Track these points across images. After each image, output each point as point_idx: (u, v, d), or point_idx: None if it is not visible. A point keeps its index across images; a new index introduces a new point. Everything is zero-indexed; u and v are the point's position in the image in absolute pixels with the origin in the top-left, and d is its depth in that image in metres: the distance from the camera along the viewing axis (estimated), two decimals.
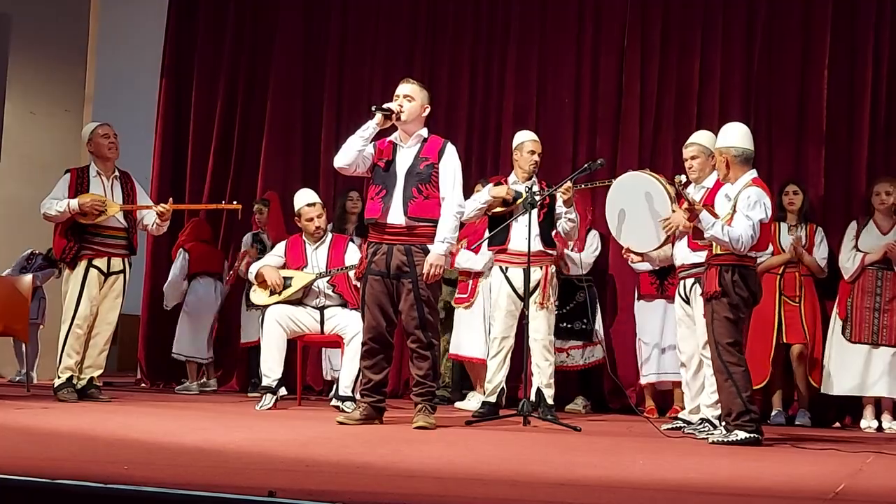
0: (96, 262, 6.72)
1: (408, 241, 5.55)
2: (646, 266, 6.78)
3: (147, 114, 9.41)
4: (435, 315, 5.65)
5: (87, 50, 9.19)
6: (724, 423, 5.22)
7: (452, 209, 5.57)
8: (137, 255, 8.72)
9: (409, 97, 5.63)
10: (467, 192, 7.22)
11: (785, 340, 6.97)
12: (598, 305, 7.52)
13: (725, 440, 5.11)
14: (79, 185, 6.73)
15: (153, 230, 7.00)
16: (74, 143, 8.76)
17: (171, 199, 7.09)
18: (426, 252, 5.53)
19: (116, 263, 6.79)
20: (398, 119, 5.60)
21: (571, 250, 7.20)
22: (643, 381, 7.24)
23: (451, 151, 5.68)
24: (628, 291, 7.70)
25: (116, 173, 6.88)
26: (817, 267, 6.99)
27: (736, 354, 5.14)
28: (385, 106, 5.60)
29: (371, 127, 5.58)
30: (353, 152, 5.59)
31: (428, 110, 5.73)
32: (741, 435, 5.08)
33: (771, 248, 6.99)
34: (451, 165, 5.64)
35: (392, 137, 5.72)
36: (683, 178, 5.63)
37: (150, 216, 6.87)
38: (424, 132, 5.71)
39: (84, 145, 6.99)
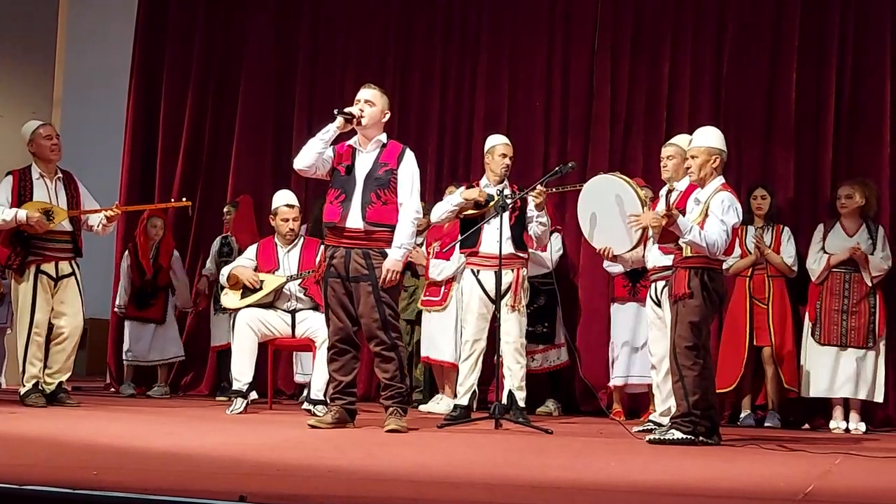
0: (44, 267, 6.61)
1: (366, 245, 5.57)
2: (618, 268, 6.81)
3: (116, 116, 9.32)
4: (396, 317, 5.66)
5: (55, 52, 9.09)
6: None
7: (410, 215, 5.60)
8: (105, 260, 8.71)
9: (370, 102, 5.66)
10: (439, 196, 7.27)
11: (755, 343, 7.02)
12: (559, 309, 7.52)
13: (662, 438, 5.17)
14: (22, 188, 6.60)
15: (99, 231, 6.87)
16: None
17: (116, 203, 7.04)
18: (384, 256, 5.55)
19: (64, 267, 6.68)
20: (359, 124, 5.62)
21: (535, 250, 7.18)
22: (611, 383, 7.26)
23: (409, 157, 5.70)
24: (598, 293, 7.72)
25: (59, 174, 6.75)
26: (785, 266, 7.03)
27: (692, 358, 5.19)
28: (347, 110, 5.62)
29: (331, 130, 5.60)
30: (312, 154, 5.60)
31: (388, 116, 5.76)
32: (677, 434, 5.15)
33: (739, 251, 7.05)
34: (409, 171, 5.66)
35: (351, 142, 5.74)
36: (675, 184, 5.68)
37: (95, 217, 6.77)
38: (384, 137, 5.74)
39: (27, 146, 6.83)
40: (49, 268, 6.64)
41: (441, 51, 8.50)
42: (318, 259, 6.07)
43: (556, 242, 7.53)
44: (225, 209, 8.31)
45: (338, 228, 5.61)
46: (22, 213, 6.48)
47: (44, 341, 6.64)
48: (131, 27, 9.20)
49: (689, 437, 5.14)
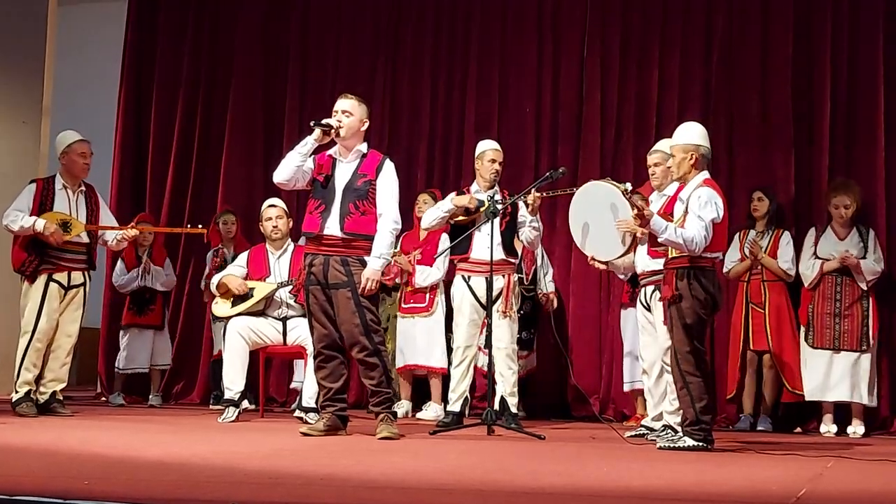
0: (56, 275, 6.65)
1: (344, 252, 5.58)
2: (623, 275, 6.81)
3: (106, 124, 9.31)
4: (378, 321, 5.66)
5: (44, 61, 9.07)
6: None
7: (389, 225, 5.60)
8: (98, 269, 8.65)
9: (348, 113, 5.65)
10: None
11: (752, 347, 7.02)
12: (538, 316, 7.52)
13: (673, 445, 5.17)
14: (44, 197, 6.68)
15: (112, 246, 6.99)
16: (32, 156, 8.63)
17: (133, 223, 7.08)
18: (363, 263, 5.56)
19: (76, 277, 6.73)
20: (337, 135, 5.62)
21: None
22: (625, 388, 7.25)
23: (388, 168, 5.71)
24: (589, 300, 7.73)
25: (82, 188, 6.84)
26: (781, 271, 7.04)
27: (694, 363, 5.18)
28: (324, 122, 5.63)
29: (309, 143, 5.62)
30: (291, 167, 5.62)
31: (367, 125, 5.77)
32: (689, 442, 5.15)
33: (738, 255, 7.07)
34: (388, 182, 5.67)
35: (331, 152, 5.75)
36: (629, 186, 5.69)
37: (110, 233, 6.84)
38: (363, 147, 5.75)
39: (45, 156, 6.90)
40: (61, 277, 6.67)
41: (431, 56, 8.51)
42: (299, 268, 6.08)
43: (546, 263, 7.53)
44: (221, 218, 8.16)
45: (317, 237, 5.62)
46: (40, 223, 6.55)
47: (44, 349, 6.65)
48: (120, 35, 9.20)
49: (700, 444, 5.13)
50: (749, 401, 7.08)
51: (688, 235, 5.12)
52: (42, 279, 6.61)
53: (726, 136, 7.66)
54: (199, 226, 7.20)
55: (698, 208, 5.18)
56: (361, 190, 5.61)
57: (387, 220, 5.60)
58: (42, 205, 6.66)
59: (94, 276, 7.99)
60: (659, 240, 5.21)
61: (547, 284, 7.46)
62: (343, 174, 5.66)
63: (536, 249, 7.00)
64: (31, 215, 6.60)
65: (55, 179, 6.80)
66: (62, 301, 6.68)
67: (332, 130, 5.61)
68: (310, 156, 5.65)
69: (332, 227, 5.57)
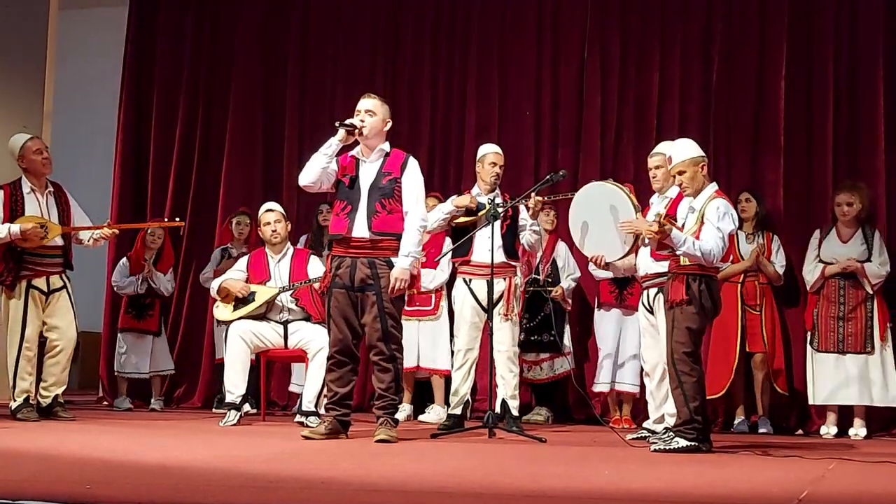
0: (35, 282, 6.61)
1: (371, 254, 5.56)
2: (607, 274, 6.81)
3: (107, 128, 9.32)
4: (398, 328, 5.64)
5: (44, 65, 9.08)
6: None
7: (416, 223, 5.58)
8: (96, 273, 8.69)
9: (371, 112, 5.64)
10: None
11: (747, 349, 7.02)
12: (567, 317, 7.54)
13: (667, 448, 5.16)
14: (13, 202, 6.61)
15: (90, 245, 6.91)
16: None
17: (108, 221, 7.05)
18: (390, 265, 5.53)
19: (55, 281, 6.69)
20: (360, 135, 5.60)
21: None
22: (595, 388, 7.27)
23: (413, 165, 5.70)
24: (590, 302, 7.73)
25: (50, 188, 6.76)
26: (775, 275, 7.05)
27: (690, 364, 5.20)
28: (348, 122, 5.61)
29: (334, 144, 5.59)
30: (317, 170, 5.59)
31: (389, 124, 5.74)
32: (682, 443, 5.15)
33: (731, 256, 7.07)
34: (413, 180, 5.65)
35: (354, 152, 5.73)
36: (663, 212, 5.69)
37: (86, 232, 6.80)
38: (386, 146, 5.72)
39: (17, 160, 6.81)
40: (40, 282, 6.63)
41: (430, 60, 8.52)
42: (324, 269, 6.09)
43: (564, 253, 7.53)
44: (235, 219, 8.14)
45: (344, 239, 5.60)
46: (15, 227, 6.48)
47: (34, 356, 6.64)
48: (121, 40, 9.21)
49: (693, 444, 5.13)
50: (744, 402, 7.07)
51: (706, 248, 5.14)
52: (22, 288, 6.57)
53: (725, 139, 7.67)
54: (177, 219, 7.20)
55: (717, 220, 5.21)
56: (387, 188, 5.59)
57: (414, 217, 5.58)
58: (13, 210, 6.58)
59: (94, 279, 7.99)
60: (677, 252, 5.21)
61: (567, 281, 7.44)
62: (367, 174, 5.64)
63: (537, 253, 7.00)
64: (3, 223, 6.52)
65: (21, 183, 6.70)
66: (45, 307, 6.66)
67: (356, 130, 5.59)
68: (334, 157, 5.64)
69: (360, 228, 5.55)
